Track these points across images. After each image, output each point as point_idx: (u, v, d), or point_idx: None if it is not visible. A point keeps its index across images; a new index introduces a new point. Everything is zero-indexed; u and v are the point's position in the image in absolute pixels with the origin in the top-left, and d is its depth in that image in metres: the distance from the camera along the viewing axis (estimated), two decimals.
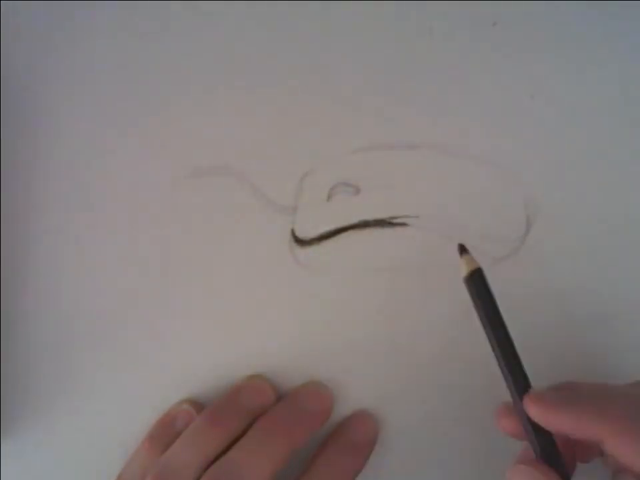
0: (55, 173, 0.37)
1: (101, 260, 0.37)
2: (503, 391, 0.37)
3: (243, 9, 0.36)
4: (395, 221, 0.37)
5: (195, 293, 0.37)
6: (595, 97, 0.36)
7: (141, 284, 0.37)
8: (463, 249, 0.33)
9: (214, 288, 0.37)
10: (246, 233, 0.37)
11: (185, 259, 0.37)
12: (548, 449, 0.31)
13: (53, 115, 0.37)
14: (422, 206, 0.37)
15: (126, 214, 0.37)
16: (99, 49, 0.36)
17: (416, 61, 0.36)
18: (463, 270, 0.32)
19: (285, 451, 0.34)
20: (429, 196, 0.37)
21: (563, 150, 0.37)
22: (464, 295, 0.37)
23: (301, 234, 0.37)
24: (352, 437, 0.36)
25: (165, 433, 0.36)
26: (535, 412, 0.30)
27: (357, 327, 0.37)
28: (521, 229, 0.37)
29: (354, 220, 0.37)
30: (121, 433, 0.38)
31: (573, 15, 0.36)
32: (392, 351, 0.37)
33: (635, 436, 0.28)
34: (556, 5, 0.36)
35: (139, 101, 0.37)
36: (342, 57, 0.36)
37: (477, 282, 0.32)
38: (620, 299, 0.37)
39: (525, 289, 0.37)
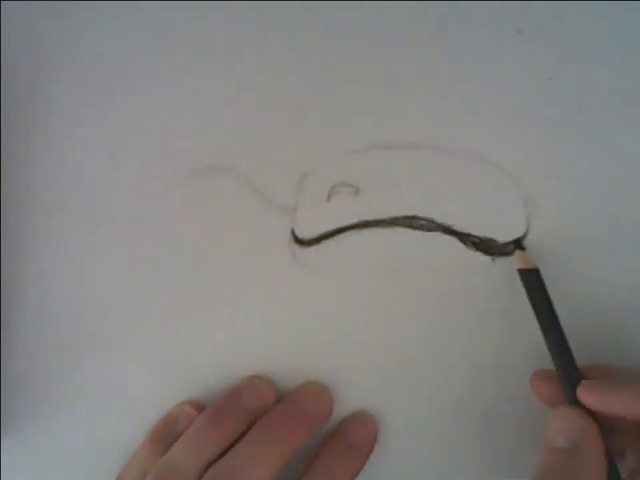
0: (55, 173, 0.37)
1: (101, 260, 0.37)
2: (501, 390, 0.37)
3: (242, 9, 0.36)
4: (395, 221, 0.37)
5: (195, 292, 0.37)
6: (595, 97, 0.36)
7: (141, 284, 0.37)
8: (517, 245, 0.36)
9: (214, 288, 0.37)
10: (246, 232, 0.37)
11: (185, 258, 0.37)
12: None
13: (53, 115, 0.37)
14: (422, 206, 0.37)
15: (126, 214, 0.37)
16: (99, 49, 0.36)
17: (416, 61, 0.36)
18: (518, 264, 0.36)
19: (285, 452, 0.34)
20: (428, 196, 0.37)
21: (563, 150, 0.37)
22: (464, 295, 0.37)
23: (300, 234, 0.37)
24: (351, 437, 0.36)
25: (166, 434, 0.36)
26: (591, 400, 0.32)
27: (357, 327, 0.37)
28: (521, 229, 0.37)
29: (354, 220, 0.37)
30: (121, 433, 0.38)
31: (571, 14, 0.36)
32: (392, 351, 0.37)
33: None
34: (555, 4, 0.36)
35: (139, 100, 0.37)
36: (342, 56, 0.36)
37: (533, 281, 0.35)
38: (620, 299, 0.37)
39: (524, 289, 0.37)
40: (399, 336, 0.37)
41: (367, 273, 0.37)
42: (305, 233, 0.37)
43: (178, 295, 0.37)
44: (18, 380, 0.37)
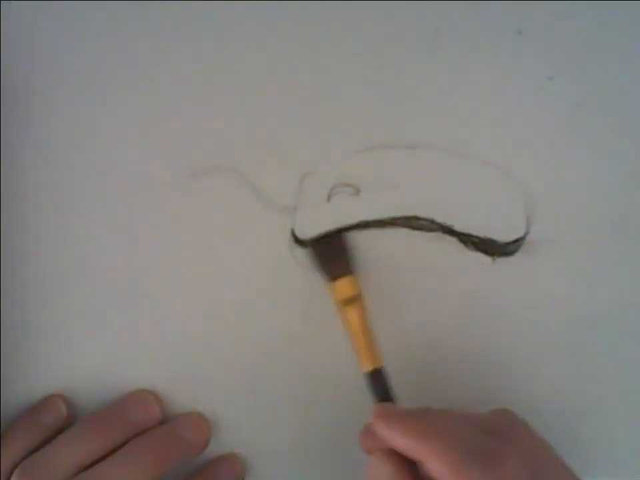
0: (55, 173, 0.37)
1: (101, 260, 0.37)
2: (502, 390, 0.37)
3: (242, 8, 0.36)
4: (395, 221, 0.37)
5: (195, 293, 0.37)
6: (595, 98, 0.36)
7: (141, 284, 0.37)
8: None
9: (214, 288, 0.37)
10: (246, 233, 0.37)
11: (185, 259, 0.37)
12: None
13: (53, 115, 0.37)
14: (422, 206, 0.37)
15: (126, 214, 0.37)
16: (99, 49, 0.36)
17: (416, 61, 0.36)
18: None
19: (152, 472, 0.34)
20: (428, 196, 0.37)
21: (563, 150, 0.37)
22: (464, 295, 0.37)
23: (300, 234, 0.37)
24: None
25: (32, 426, 0.36)
26: (378, 423, 0.30)
27: None
28: (521, 229, 0.37)
29: (354, 220, 0.37)
30: None
31: (571, 14, 0.36)
32: (392, 350, 0.37)
33: (448, 457, 0.27)
34: (555, 4, 0.36)
35: (139, 100, 0.37)
36: (342, 56, 0.36)
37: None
38: (620, 299, 0.37)
39: (524, 289, 0.37)
40: (399, 336, 0.37)
41: (366, 273, 0.37)
42: (304, 233, 0.37)
43: (177, 295, 0.37)
44: (18, 380, 0.37)
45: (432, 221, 0.37)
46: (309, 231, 0.37)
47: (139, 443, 0.35)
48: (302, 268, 0.37)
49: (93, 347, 0.37)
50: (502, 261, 0.37)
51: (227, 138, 0.37)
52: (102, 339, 0.37)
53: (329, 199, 0.37)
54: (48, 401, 0.37)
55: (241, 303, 0.37)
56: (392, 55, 0.36)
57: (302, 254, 0.37)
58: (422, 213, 0.37)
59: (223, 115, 0.37)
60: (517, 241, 0.37)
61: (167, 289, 0.37)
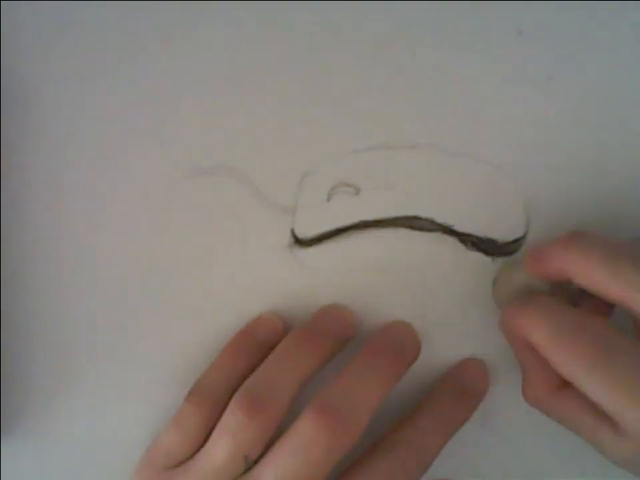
0: (55, 173, 0.37)
1: (101, 260, 0.37)
2: (502, 390, 0.37)
3: (242, 8, 0.36)
4: (395, 221, 0.37)
5: (194, 293, 0.37)
6: (595, 97, 0.36)
7: (141, 284, 0.37)
8: None
9: (213, 288, 0.37)
10: (246, 233, 0.37)
11: (185, 259, 0.37)
12: None
13: (53, 115, 0.37)
14: (422, 206, 0.37)
15: (126, 214, 0.37)
16: (100, 49, 0.36)
17: (416, 61, 0.36)
18: None
19: (390, 382, 0.32)
20: (428, 196, 0.37)
21: (563, 150, 0.37)
22: (464, 295, 0.37)
23: (300, 234, 0.37)
24: (467, 383, 0.35)
25: (248, 343, 0.35)
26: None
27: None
28: (521, 229, 0.37)
29: (354, 220, 0.37)
30: (121, 433, 0.38)
31: (571, 14, 0.36)
32: None
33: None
34: (555, 4, 0.36)
35: (139, 101, 0.37)
36: (342, 56, 0.36)
37: None
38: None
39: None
40: None
41: (367, 274, 0.37)
42: (305, 233, 0.37)
43: (177, 295, 0.37)
44: (18, 381, 0.37)
45: (432, 221, 0.37)
46: (309, 230, 0.37)
47: (370, 354, 0.33)
48: (302, 268, 0.37)
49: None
50: (502, 261, 0.37)
51: (226, 138, 0.37)
52: (104, 337, 0.37)
53: (329, 198, 0.37)
54: (262, 318, 0.36)
55: (240, 303, 0.37)
56: (392, 55, 0.36)
57: (302, 254, 0.37)
58: (422, 213, 0.37)
59: (223, 115, 0.37)
60: (516, 240, 0.37)
61: (166, 289, 0.37)
